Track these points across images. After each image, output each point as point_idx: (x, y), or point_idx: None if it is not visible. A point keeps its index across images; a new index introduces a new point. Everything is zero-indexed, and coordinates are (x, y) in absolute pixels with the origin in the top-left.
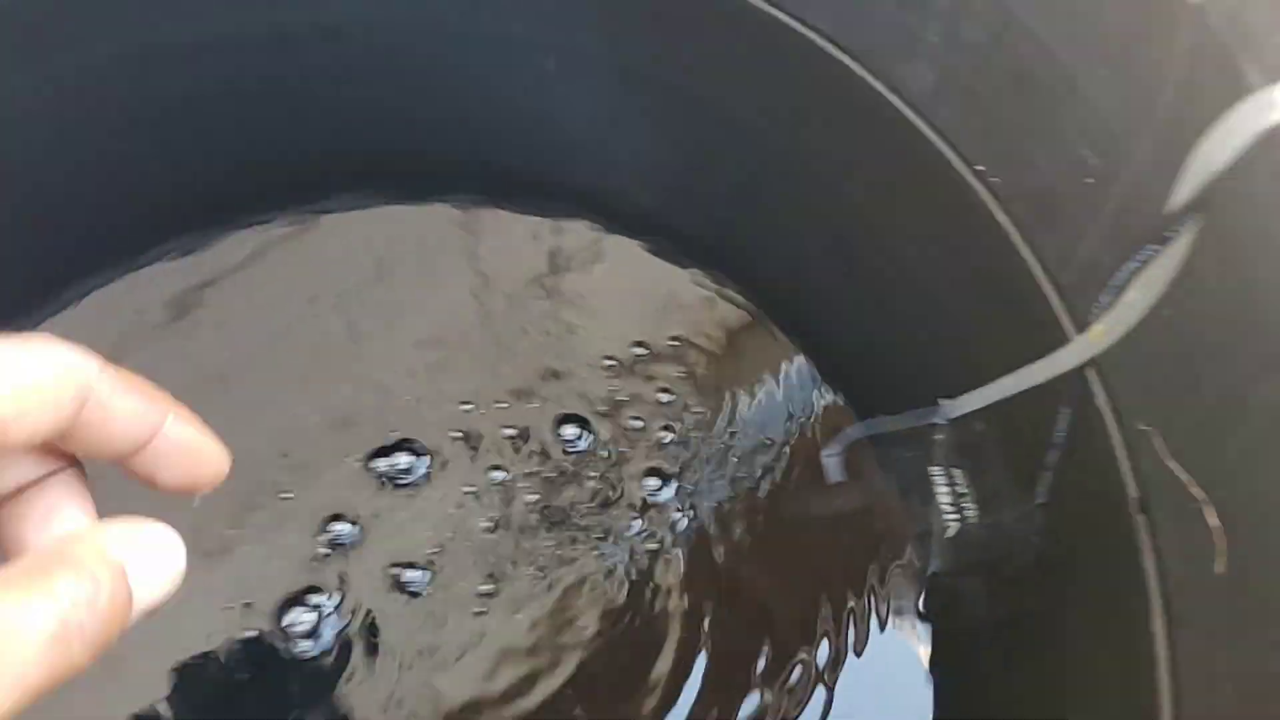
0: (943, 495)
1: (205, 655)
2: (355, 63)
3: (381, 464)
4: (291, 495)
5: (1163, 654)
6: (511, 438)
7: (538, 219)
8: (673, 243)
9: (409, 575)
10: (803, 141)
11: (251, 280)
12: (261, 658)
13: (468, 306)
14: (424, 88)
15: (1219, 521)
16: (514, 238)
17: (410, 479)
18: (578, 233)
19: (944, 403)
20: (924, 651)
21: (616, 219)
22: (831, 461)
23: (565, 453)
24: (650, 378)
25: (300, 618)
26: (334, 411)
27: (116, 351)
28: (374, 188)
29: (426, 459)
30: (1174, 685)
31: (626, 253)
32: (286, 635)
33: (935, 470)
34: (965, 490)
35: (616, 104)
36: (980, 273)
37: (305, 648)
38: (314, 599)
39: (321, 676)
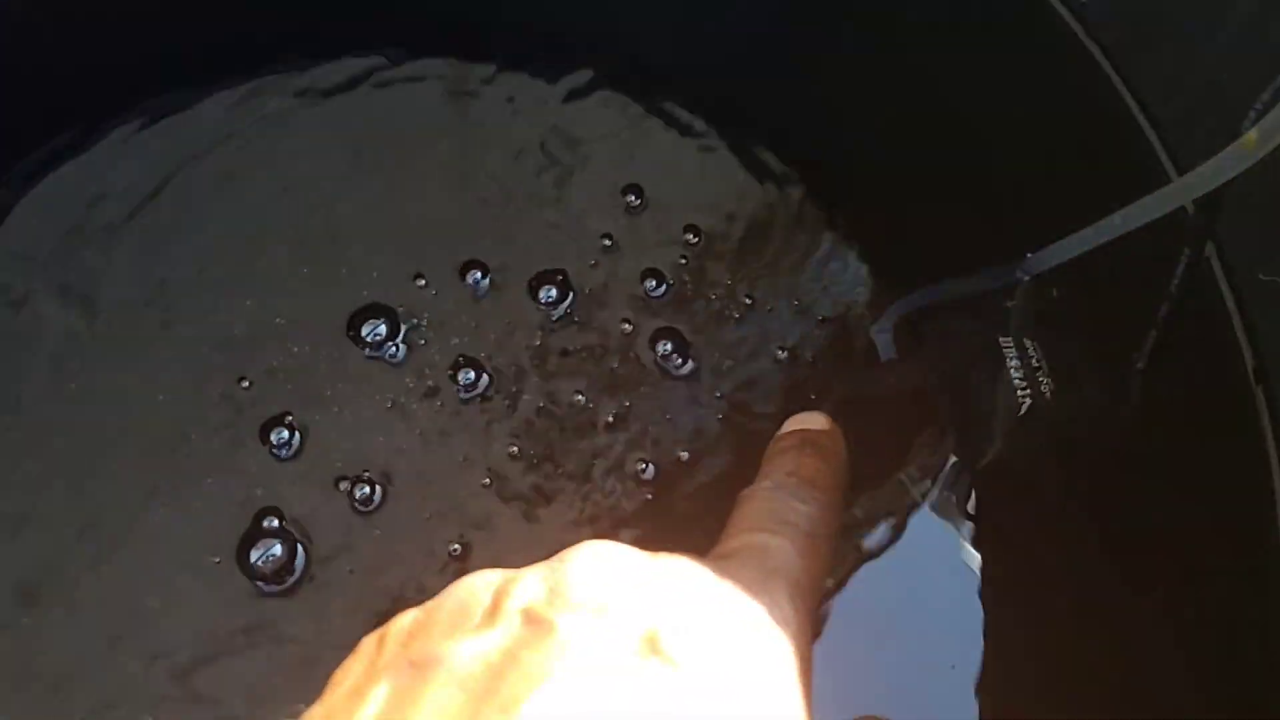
0: (1014, 368)
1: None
2: None
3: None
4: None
5: None
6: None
7: (537, 81)
8: (685, 101)
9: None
10: None
11: (221, 163)
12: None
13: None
14: None
15: None
16: (508, 103)
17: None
18: (579, 93)
19: (1029, 257)
20: (971, 546)
21: (621, 76)
22: (882, 337)
23: (562, 321)
24: (668, 249)
25: None
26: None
27: (70, 244)
28: (351, 51)
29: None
30: None
31: (631, 114)
32: None
33: (1005, 341)
34: (1039, 363)
35: None
36: (1062, 113)
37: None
38: None
39: None
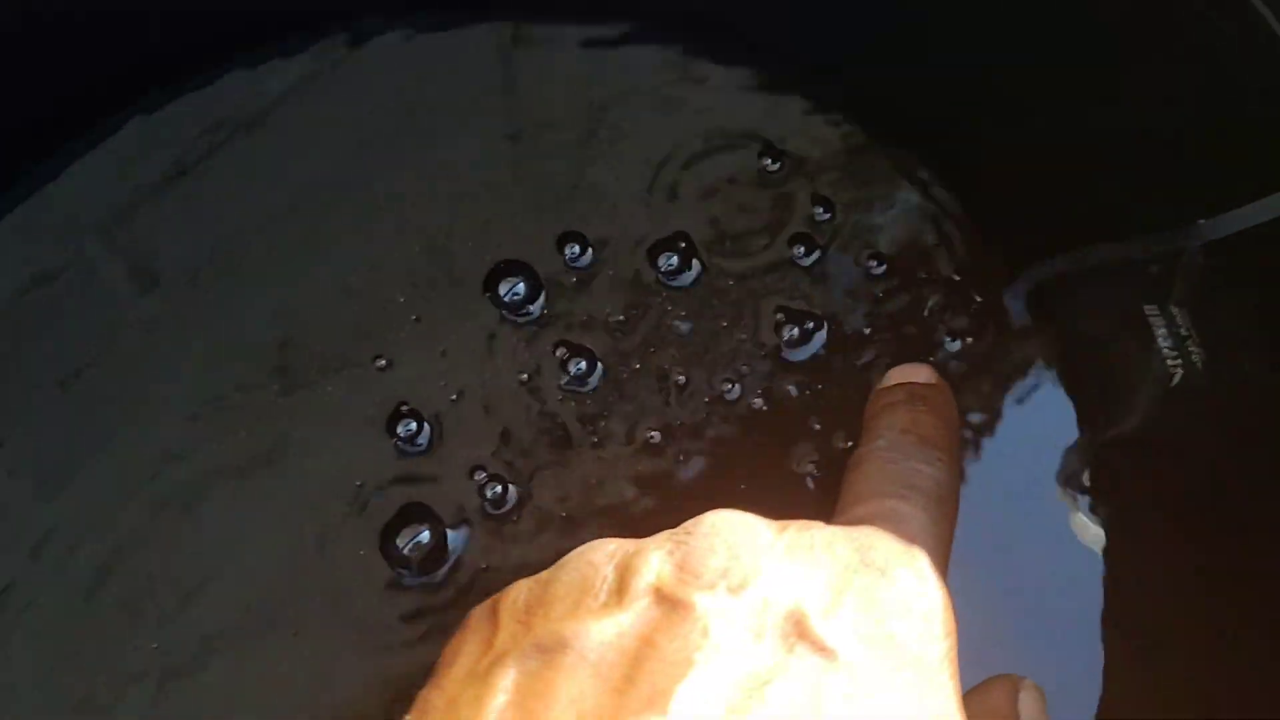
0: (1161, 337)
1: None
2: None
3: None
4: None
5: None
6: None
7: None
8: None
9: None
10: None
11: (275, 125)
12: None
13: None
14: None
15: None
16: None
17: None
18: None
19: (1201, 224)
20: (1096, 530)
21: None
22: (1016, 304)
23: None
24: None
25: None
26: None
27: (118, 215)
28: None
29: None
30: None
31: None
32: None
33: (1150, 309)
34: (1188, 331)
35: None
36: (1231, 81)
37: None
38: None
39: None
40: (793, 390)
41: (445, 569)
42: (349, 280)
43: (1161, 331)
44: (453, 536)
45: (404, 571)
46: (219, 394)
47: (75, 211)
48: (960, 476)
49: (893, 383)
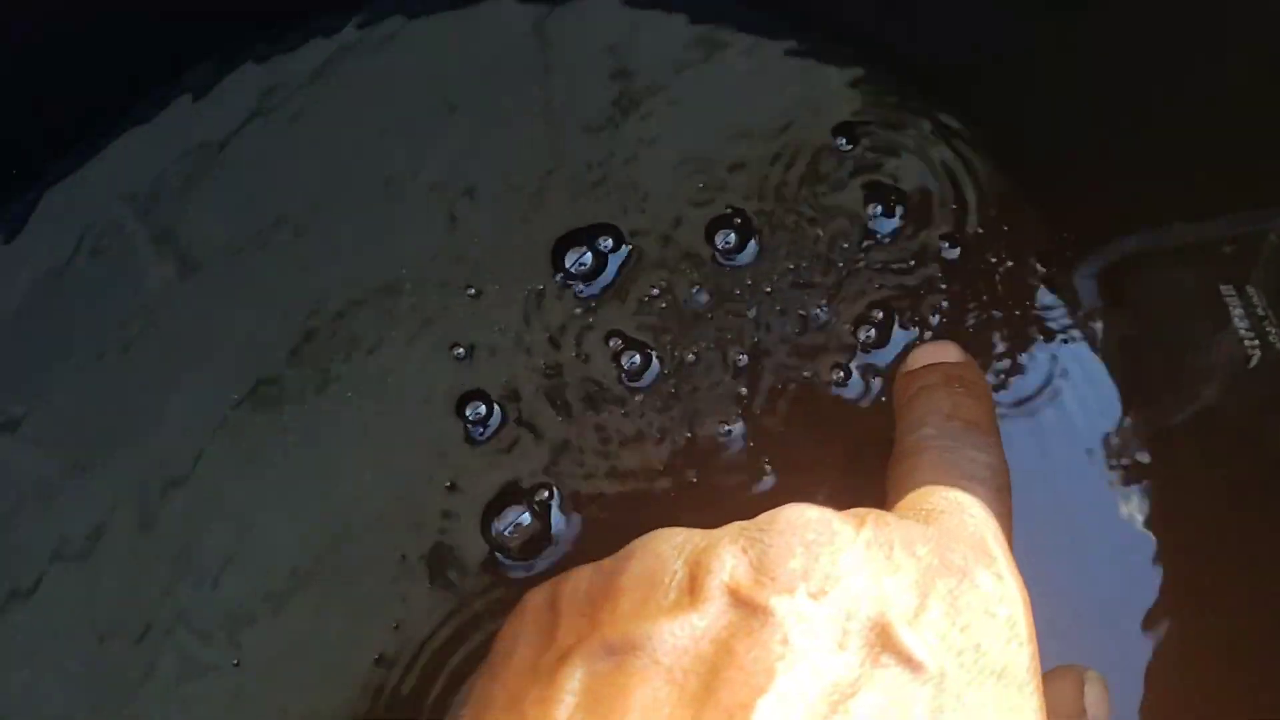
0: (1238, 317)
1: None
2: None
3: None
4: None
5: None
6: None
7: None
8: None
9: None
10: None
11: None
12: None
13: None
14: None
15: None
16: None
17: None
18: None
19: None
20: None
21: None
22: (1086, 283)
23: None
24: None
25: None
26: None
27: (156, 193)
28: None
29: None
30: None
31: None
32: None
33: (1226, 289)
34: (1265, 311)
35: None
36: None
37: None
38: None
39: None
40: (859, 373)
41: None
42: (395, 259)
43: (1238, 312)
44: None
45: (500, 554)
46: (260, 373)
47: (116, 189)
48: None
49: (921, 364)
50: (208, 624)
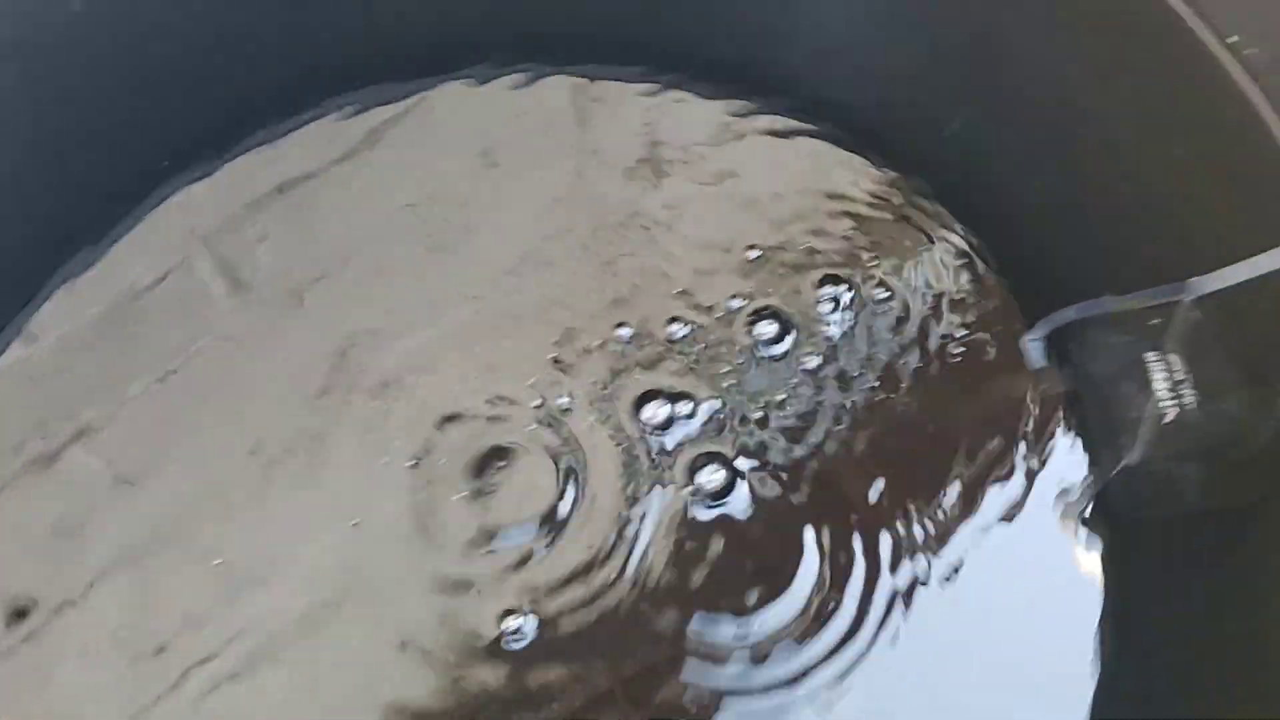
0: (1159, 381)
1: None
2: None
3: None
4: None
5: None
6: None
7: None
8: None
9: None
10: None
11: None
12: None
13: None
14: None
15: None
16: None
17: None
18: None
19: (1193, 281)
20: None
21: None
22: (1034, 346)
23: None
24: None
25: None
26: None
27: (224, 230)
28: (473, 62)
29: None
30: None
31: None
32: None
33: (1151, 356)
34: (1183, 376)
35: None
36: (1221, 154)
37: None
38: None
39: None
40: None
41: None
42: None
43: (1160, 375)
44: None
45: None
46: (305, 402)
47: (189, 224)
48: None
49: None
50: (238, 642)
